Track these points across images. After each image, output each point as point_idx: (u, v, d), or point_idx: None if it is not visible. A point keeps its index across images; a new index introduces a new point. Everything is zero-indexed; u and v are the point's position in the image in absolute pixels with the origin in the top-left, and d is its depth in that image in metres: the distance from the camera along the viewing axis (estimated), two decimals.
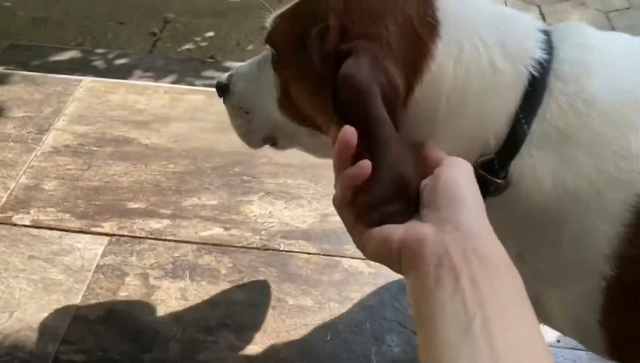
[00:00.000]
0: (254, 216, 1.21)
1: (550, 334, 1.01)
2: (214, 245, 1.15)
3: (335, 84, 0.56)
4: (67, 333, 0.99)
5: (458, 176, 0.53)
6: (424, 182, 0.55)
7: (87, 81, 1.56)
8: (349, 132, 0.54)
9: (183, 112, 1.47)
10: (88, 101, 1.49)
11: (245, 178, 1.30)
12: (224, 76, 0.82)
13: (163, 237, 1.16)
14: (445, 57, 0.60)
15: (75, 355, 0.96)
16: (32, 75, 1.59)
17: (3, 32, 2.53)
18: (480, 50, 0.60)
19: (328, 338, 1.00)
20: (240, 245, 1.15)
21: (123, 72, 1.91)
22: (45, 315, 1.02)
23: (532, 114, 0.60)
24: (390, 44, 0.59)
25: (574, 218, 0.60)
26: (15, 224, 1.17)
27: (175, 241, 1.16)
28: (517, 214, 0.62)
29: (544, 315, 0.70)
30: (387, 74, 0.57)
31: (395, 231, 0.52)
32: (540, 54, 0.61)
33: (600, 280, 0.60)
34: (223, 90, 0.82)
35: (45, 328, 1.00)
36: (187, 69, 2.02)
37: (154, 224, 1.19)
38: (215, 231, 1.18)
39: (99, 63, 2.05)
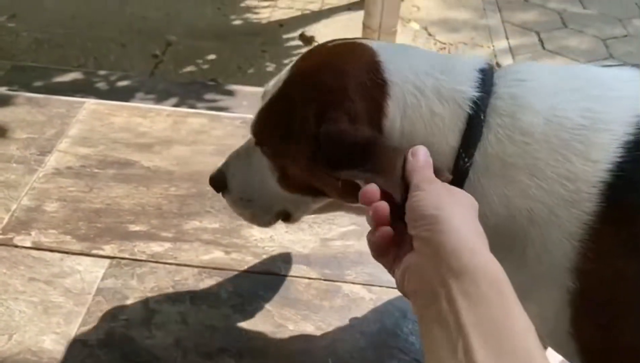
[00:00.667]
0: (255, 240, 1.21)
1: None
2: (214, 268, 1.15)
3: (322, 144, 0.67)
4: (66, 356, 0.98)
5: (431, 198, 0.57)
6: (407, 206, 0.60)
7: (90, 103, 1.57)
8: (370, 192, 0.62)
9: (185, 135, 1.48)
10: (91, 123, 1.50)
11: None
12: (215, 172, 0.89)
13: (164, 260, 1.16)
14: (394, 113, 0.68)
15: None
16: (36, 97, 1.60)
17: (6, 52, 2.56)
18: (421, 101, 0.69)
19: None
20: (241, 269, 1.15)
21: (125, 94, 1.93)
22: (45, 338, 1.01)
23: (472, 149, 0.67)
24: (356, 110, 0.68)
25: (533, 235, 0.66)
26: (16, 246, 1.17)
27: (176, 264, 1.16)
28: None
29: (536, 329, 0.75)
30: (359, 129, 0.67)
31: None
32: (474, 94, 0.68)
33: (565, 293, 0.65)
34: (220, 187, 0.90)
35: (45, 352, 0.99)
36: (188, 92, 2.03)
37: (155, 247, 1.19)
38: (217, 255, 1.18)
39: (101, 85, 2.06)
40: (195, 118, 1.55)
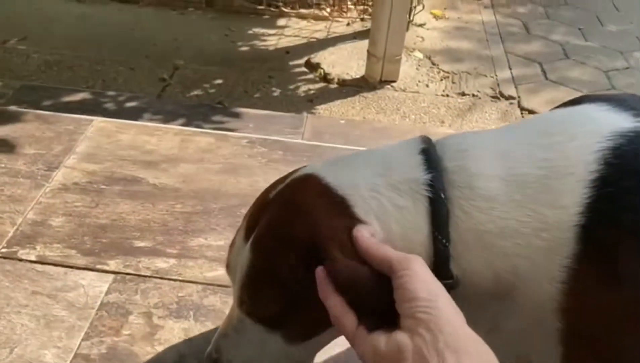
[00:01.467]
0: None
1: None
2: (219, 285, 1.14)
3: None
4: None
5: (419, 280, 0.61)
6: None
7: (98, 120, 1.59)
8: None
9: (192, 154, 1.49)
10: (98, 140, 1.51)
11: None
12: (209, 361, 0.81)
13: (168, 276, 1.16)
14: (368, 217, 0.69)
15: None
16: (44, 114, 1.62)
17: (16, 73, 2.58)
18: (381, 200, 0.70)
19: None
20: None
21: (133, 115, 1.94)
22: (46, 352, 1.00)
23: (445, 228, 0.68)
24: (340, 240, 0.67)
25: (520, 286, 0.68)
26: (20, 260, 1.17)
27: (180, 280, 1.15)
28: (477, 297, 0.70)
29: None
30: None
31: (379, 342, 0.60)
32: (425, 177, 0.70)
33: (554, 332, 0.68)
34: None
35: None
36: (196, 113, 2.05)
37: (160, 263, 1.18)
38: (221, 272, 1.17)
39: (109, 105, 2.08)
40: (202, 137, 1.56)
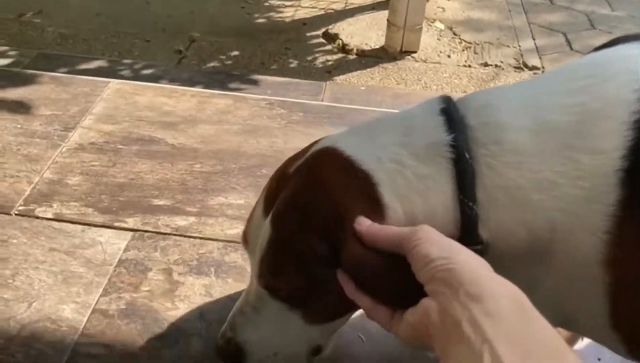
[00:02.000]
0: None
1: (592, 352, 0.96)
2: (239, 243, 1.11)
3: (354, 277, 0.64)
4: (86, 326, 0.95)
5: (431, 243, 0.58)
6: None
7: (115, 83, 1.55)
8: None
9: (210, 115, 1.45)
10: (115, 101, 1.48)
11: None
12: (223, 342, 0.77)
13: (188, 234, 1.12)
14: (391, 199, 0.65)
15: (94, 348, 0.91)
16: (60, 76, 1.59)
17: (32, 45, 2.56)
18: (405, 172, 0.66)
19: (362, 341, 0.94)
20: None
21: (149, 82, 1.90)
22: (65, 307, 0.97)
23: (471, 189, 0.64)
24: (361, 212, 0.64)
25: (559, 242, 0.63)
26: (37, 217, 1.14)
27: (200, 238, 1.12)
28: (510, 260, 0.66)
29: (577, 327, 0.75)
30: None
31: (410, 317, 0.58)
32: (447, 138, 0.65)
33: (601, 286, 0.63)
34: (237, 356, 0.77)
35: (64, 321, 0.95)
36: (212, 81, 2.01)
37: (180, 221, 1.15)
38: (242, 230, 1.13)
39: (126, 72, 2.05)
40: (220, 99, 1.52)
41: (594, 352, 0.96)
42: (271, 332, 0.74)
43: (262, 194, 0.75)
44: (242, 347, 0.75)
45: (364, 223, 0.64)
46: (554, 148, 0.63)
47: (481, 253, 0.63)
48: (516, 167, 0.63)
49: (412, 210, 0.65)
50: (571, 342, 0.96)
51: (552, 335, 0.48)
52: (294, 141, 1.36)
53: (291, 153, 1.35)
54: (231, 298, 1.00)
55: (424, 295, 0.57)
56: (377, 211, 0.65)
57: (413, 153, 0.66)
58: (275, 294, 0.71)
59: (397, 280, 0.61)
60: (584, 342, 0.97)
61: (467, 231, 0.65)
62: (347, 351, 0.92)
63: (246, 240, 0.77)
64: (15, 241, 1.09)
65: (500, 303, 0.50)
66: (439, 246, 0.57)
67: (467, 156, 0.64)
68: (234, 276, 1.04)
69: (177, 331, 0.95)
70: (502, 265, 0.65)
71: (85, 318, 0.96)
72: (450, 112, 0.67)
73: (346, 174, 0.67)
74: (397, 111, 1.68)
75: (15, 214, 1.14)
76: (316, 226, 0.65)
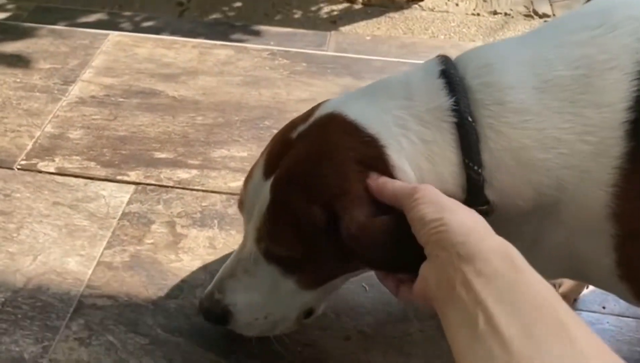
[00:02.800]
0: None
1: (597, 300, 0.96)
2: None
3: (353, 250, 0.63)
4: (91, 278, 0.95)
5: (430, 204, 0.57)
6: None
7: (115, 35, 1.52)
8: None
9: (211, 66, 1.43)
10: (115, 54, 1.45)
11: (275, 131, 1.23)
12: (209, 302, 0.76)
13: (191, 187, 1.12)
14: (399, 160, 0.65)
15: (99, 299, 0.92)
16: (59, 29, 1.56)
17: None
18: (411, 137, 0.65)
19: (366, 291, 0.94)
20: None
21: (150, 34, 1.87)
22: (69, 259, 0.98)
23: (477, 154, 0.63)
24: (360, 186, 0.64)
25: (566, 199, 0.63)
26: (40, 171, 1.14)
27: (203, 191, 1.11)
28: (517, 218, 0.66)
29: (584, 278, 0.78)
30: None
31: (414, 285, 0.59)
32: (448, 102, 0.64)
33: (608, 239, 0.63)
34: (221, 320, 0.76)
35: (69, 273, 0.96)
36: (214, 32, 1.97)
37: (182, 174, 1.14)
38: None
39: (126, 25, 2.01)
40: (221, 50, 1.49)
41: (599, 300, 0.96)
42: (263, 295, 0.74)
43: (262, 156, 0.74)
44: (230, 309, 0.75)
45: (373, 178, 0.64)
46: (558, 105, 0.62)
47: (487, 213, 0.64)
48: (520, 127, 0.62)
49: (421, 174, 0.65)
50: (576, 290, 0.96)
51: (543, 288, 0.48)
52: (297, 92, 1.34)
53: (294, 105, 1.34)
54: (234, 250, 1.00)
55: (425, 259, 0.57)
56: (385, 173, 0.64)
57: (417, 117, 0.66)
58: (272, 259, 0.71)
59: (399, 249, 0.61)
60: (588, 290, 0.97)
61: (474, 194, 0.64)
62: (351, 301, 0.93)
63: (242, 202, 0.75)
64: (18, 195, 1.09)
65: (490, 262, 0.50)
66: (434, 207, 0.57)
67: (469, 119, 0.63)
68: (237, 228, 1.04)
69: (181, 282, 0.95)
70: (510, 223, 0.66)
71: (90, 271, 0.96)
72: (449, 74, 0.66)
73: (352, 138, 0.66)
74: (403, 60, 1.64)
75: (18, 169, 1.14)
76: (319, 196, 0.65)
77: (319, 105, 0.73)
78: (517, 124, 0.62)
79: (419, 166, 0.65)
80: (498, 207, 0.65)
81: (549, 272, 0.73)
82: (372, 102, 0.68)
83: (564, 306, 0.46)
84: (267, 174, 0.70)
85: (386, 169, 0.64)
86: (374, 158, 0.65)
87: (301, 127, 0.70)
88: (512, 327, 0.44)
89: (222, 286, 0.76)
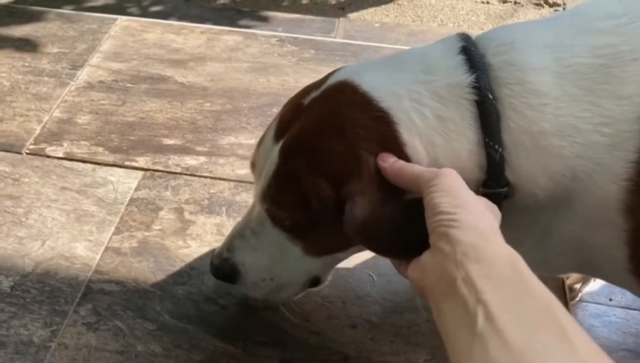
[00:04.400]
0: None
1: (604, 292, 0.96)
2: (251, 182, 1.10)
3: (356, 232, 0.62)
4: (99, 263, 0.96)
5: (449, 195, 0.56)
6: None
7: (123, 19, 1.52)
8: None
9: (220, 53, 1.42)
10: (123, 39, 1.45)
11: None
12: (219, 260, 0.77)
13: (199, 173, 1.12)
14: (411, 138, 0.63)
15: (107, 285, 0.93)
16: (67, 12, 1.56)
17: None
18: (425, 112, 0.63)
19: (373, 280, 0.95)
20: None
21: (158, 19, 1.86)
22: (78, 245, 0.98)
23: (497, 133, 0.61)
24: (370, 168, 0.62)
25: (579, 189, 0.62)
26: (48, 156, 1.14)
27: (211, 177, 1.11)
28: (530, 207, 0.65)
29: (594, 272, 0.77)
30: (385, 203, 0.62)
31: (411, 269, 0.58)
32: (468, 79, 0.62)
33: (620, 233, 0.62)
34: (230, 277, 0.78)
35: (77, 258, 0.96)
36: (222, 18, 1.96)
37: (190, 160, 1.14)
38: None
39: (133, 10, 2.00)
40: (229, 36, 1.48)
41: (606, 293, 0.96)
42: (269, 257, 0.74)
43: (276, 119, 0.74)
44: (238, 268, 0.76)
45: (388, 160, 0.62)
46: (578, 92, 0.61)
47: (506, 195, 0.63)
48: (539, 110, 0.61)
49: (435, 152, 0.63)
50: (583, 281, 0.96)
51: (548, 296, 0.48)
52: (305, 79, 1.33)
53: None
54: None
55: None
56: (395, 151, 0.63)
57: (433, 92, 0.64)
58: (276, 222, 0.71)
59: (404, 238, 0.61)
60: (596, 283, 0.96)
61: (494, 175, 0.63)
62: (358, 290, 0.93)
63: (254, 163, 0.75)
64: (27, 180, 1.09)
65: (497, 266, 0.50)
66: (451, 198, 0.56)
67: (490, 97, 0.62)
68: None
69: (189, 268, 0.96)
70: (524, 212, 0.65)
71: (99, 256, 0.97)
72: (470, 51, 0.64)
73: (363, 112, 0.64)
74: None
75: (26, 154, 1.14)
76: (325, 169, 0.64)
77: (334, 71, 0.72)
78: (537, 106, 0.61)
79: (432, 142, 0.63)
80: (516, 192, 0.64)
81: (559, 266, 0.73)
82: (388, 74, 0.67)
83: (567, 314, 0.46)
84: (277, 137, 0.70)
85: (397, 148, 0.63)
86: (386, 135, 0.63)
87: (314, 94, 0.69)
88: (515, 329, 0.44)
89: (231, 245, 0.77)
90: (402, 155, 0.63)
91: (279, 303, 0.86)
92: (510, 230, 0.58)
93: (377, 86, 0.65)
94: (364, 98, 0.65)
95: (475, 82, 0.62)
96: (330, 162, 0.64)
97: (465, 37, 0.67)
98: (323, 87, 0.69)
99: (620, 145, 0.60)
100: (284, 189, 0.68)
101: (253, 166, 0.76)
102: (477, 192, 0.61)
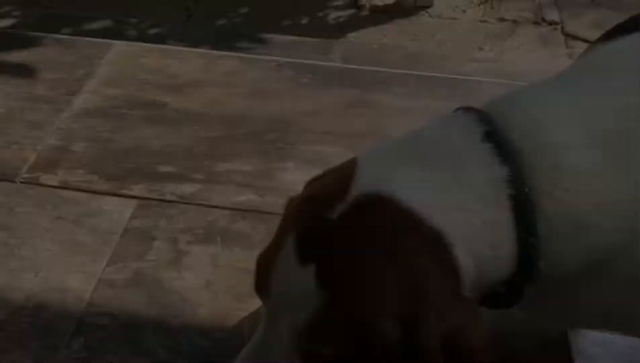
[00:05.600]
0: (290, 183, 1.14)
1: None
2: (247, 210, 1.09)
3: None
4: (93, 296, 0.94)
5: None
6: None
7: (119, 44, 1.52)
8: None
9: (217, 77, 1.42)
10: (120, 64, 1.45)
11: (280, 144, 1.24)
12: None
13: (195, 201, 1.11)
14: (465, 259, 0.57)
15: (101, 318, 0.91)
16: (64, 38, 1.56)
17: (35, 1, 2.51)
18: (474, 221, 0.58)
19: None
20: (274, 212, 1.08)
21: (156, 41, 1.86)
22: (71, 276, 0.97)
23: (532, 224, 0.58)
24: (434, 301, 0.55)
25: (614, 259, 0.60)
26: (42, 185, 1.13)
27: (207, 206, 1.10)
28: (562, 281, 0.62)
29: (624, 332, 0.75)
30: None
31: None
32: (503, 172, 0.58)
33: None
34: None
35: (71, 290, 0.95)
36: (221, 40, 1.95)
37: (186, 188, 1.13)
38: (250, 197, 1.12)
39: (131, 32, 2.01)
40: (227, 60, 1.48)
41: None
42: None
43: (288, 233, 0.60)
44: None
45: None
46: (613, 164, 0.58)
47: (531, 282, 0.60)
48: (577, 193, 0.58)
49: (482, 265, 0.58)
50: None
51: None
52: (303, 105, 1.33)
53: (300, 118, 1.31)
54: (237, 268, 0.98)
55: None
56: (453, 277, 0.57)
57: (476, 194, 0.58)
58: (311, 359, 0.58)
59: None
60: None
61: (526, 267, 0.59)
62: None
63: (262, 286, 0.61)
64: (20, 209, 1.08)
65: None
66: None
67: (526, 190, 0.57)
68: (240, 245, 1.03)
69: (183, 301, 0.94)
70: (555, 286, 0.62)
71: (92, 288, 0.95)
72: (497, 136, 0.59)
73: (418, 238, 0.56)
74: (409, 72, 1.61)
75: (21, 182, 1.13)
76: (392, 306, 0.55)
77: (351, 166, 0.61)
78: (574, 190, 0.58)
79: (481, 255, 0.58)
80: (545, 274, 0.60)
81: (581, 324, 0.71)
82: (419, 174, 0.59)
83: None
84: (304, 259, 0.57)
85: (453, 274, 0.57)
86: (442, 260, 0.56)
87: (340, 207, 0.58)
88: None
89: None
90: (458, 280, 0.57)
91: None
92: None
93: (420, 197, 0.58)
94: (412, 217, 0.57)
95: (510, 174, 0.58)
96: (396, 298, 0.55)
97: (484, 118, 0.61)
98: (352, 200, 0.58)
99: None
100: (332, 326, 0.56)
101: (260, 289, 0.62)
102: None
